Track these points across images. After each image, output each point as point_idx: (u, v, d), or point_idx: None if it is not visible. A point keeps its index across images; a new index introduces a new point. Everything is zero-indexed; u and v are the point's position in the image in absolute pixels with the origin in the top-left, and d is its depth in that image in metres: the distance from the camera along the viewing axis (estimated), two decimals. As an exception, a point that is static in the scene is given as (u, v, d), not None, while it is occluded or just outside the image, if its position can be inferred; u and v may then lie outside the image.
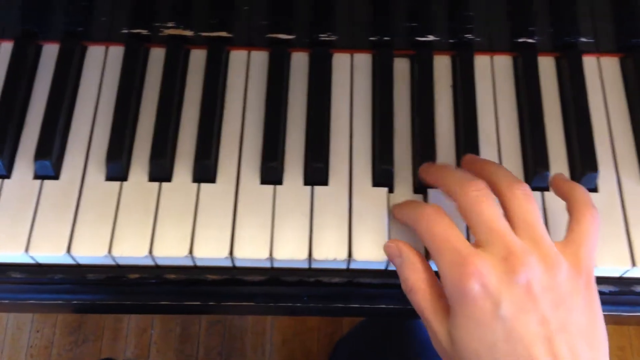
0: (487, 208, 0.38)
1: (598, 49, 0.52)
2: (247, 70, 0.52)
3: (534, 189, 0.46)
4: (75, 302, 0.49)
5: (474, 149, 0.48)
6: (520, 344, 0.34)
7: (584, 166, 0.47)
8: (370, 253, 0.45)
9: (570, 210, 0.41)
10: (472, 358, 0.36)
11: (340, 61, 0.53)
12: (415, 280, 0.40)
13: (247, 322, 1.37)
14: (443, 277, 0.38)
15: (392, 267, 0.47)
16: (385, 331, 0.75)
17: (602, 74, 0.52)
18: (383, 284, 0.48)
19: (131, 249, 0.45)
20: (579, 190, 0.41)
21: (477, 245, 0.38)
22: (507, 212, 0.39)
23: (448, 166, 0.45)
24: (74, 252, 0.45)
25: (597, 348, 0.36)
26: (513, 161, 0.49)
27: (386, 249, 0.43)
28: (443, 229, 0.38)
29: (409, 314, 0.54)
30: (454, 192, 0.40)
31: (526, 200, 0.39)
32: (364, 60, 0.53)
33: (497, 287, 0.35)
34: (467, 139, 0.49)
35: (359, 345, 0.77)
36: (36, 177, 0.47)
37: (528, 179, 0.48)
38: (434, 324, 0.39)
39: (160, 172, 0.47)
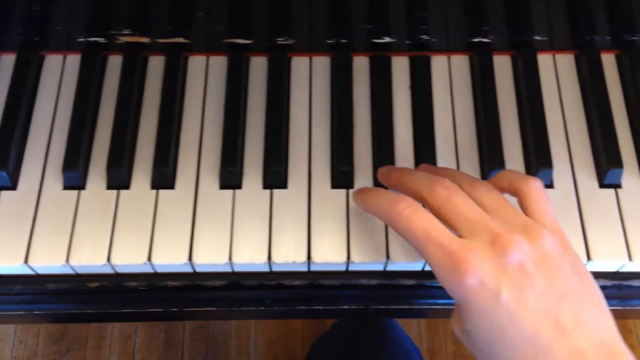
0: (460, 201, 0.38)
1: (553, 47, 0.52)
2: (205, 75, 0.52)
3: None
4: (37, 312, 0.49)
5: (431, 148, 0.49)
6: (526, 324, 0.35)
7: (538, 162, 0.47)
8: (329, 255, 0.45)
9: (514, 192, 0.41)
10: (484, 346, 0.36)
11: (299, 64, 0.53)
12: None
13: (231, 326, 1.37)
14: (437, 276, 0.38)
15: (352, 268, 0.47)
16: (359, 331, 0.75)
17: (557, 71, 0.52)
18: (344, 285, 0.49)
19: (89, 258, 0.45)
20: (510, 172, 0.41)
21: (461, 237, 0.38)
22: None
23: (407, 170, 0.44)
24: (31, 262, 0.45)
25: (597, 305, 0.36)
26: (470, 159, 0.49)
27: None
28: (422, 225, 0.38)
29: (372, 314, 0.54)
30: (422, 196, 0.40)
31: (487, 189, 0.39)
32: (322, 63, 0.53)
33: (493, 276, 0.35)
34: (424, 138, 0.49)
35: (334, 345, 0.77)
36: (-7, 187, 0.47)
37: (484, 176, 0.48)
38: (452, 317, 0.39)
39: (118, 179, 0.47)
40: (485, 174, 0.48)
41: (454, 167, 0.49)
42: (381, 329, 0.75)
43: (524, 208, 0.40)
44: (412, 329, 1.37)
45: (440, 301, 0.49)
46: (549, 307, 0.35)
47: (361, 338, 0.74)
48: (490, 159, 0.47)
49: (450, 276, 0.36)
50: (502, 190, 0.42)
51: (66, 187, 0.47)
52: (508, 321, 0.35)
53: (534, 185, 0.40)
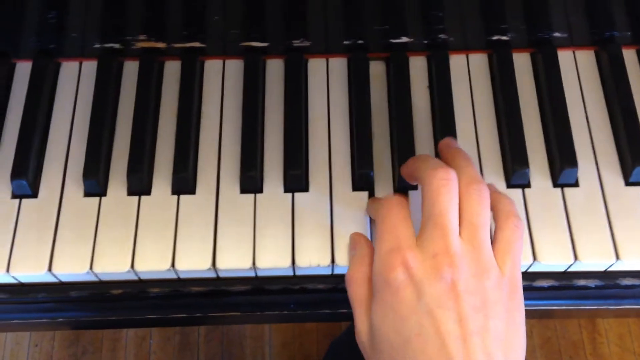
0: (442, 201, 0.38)
1: (573, 43, 0.52)
2: (222, 79, 0.52)
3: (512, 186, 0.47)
4: (60, 320, 0.49)
5: (453, 148, 0.48)
6: (434, 339, 0.35)
7: (562, 161, 0.46)
8: (352, 258, 0.45)
9: (495, 218, 0.40)
10: (387, 349, 0.36)
11: (316, 66, 0.52)
12: (355, 272, 0.40)
13: (246, 327, 1.37)
14: (375, 262, 0.38)
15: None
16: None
17: (578, 67, 0.52)
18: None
19: (112, 265, 0.45)
20: (503, 200, 0.41)
21: (420, 234, 0.38)
22: (459, 208, 0.39)
23: (423, 155, 0.43)
24: (55, 270, 0.44)
25: (511, 355, 0.36)
26: (492, 158, 0.48)
27: (350, 238, 0.44)
28: (395, 218, 0.39)
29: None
30: (422, 178, 0.40)
31: (478, 201, 0.39)
32: (339, 64, 0.52)
33: (421, 279, 0.36)
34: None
35: (350, 347, 0.77)
36: (14, 196, 0.47)
37: (508, 178, 0.48)
38: (359, 314, 0.39)
39: (139, 185, 0.47)
40: (508, 174, 0.47)
41: (477, 168, 0.48)
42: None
43: (494, 240, 0.39)
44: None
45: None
46: (463, 334, 0.35)
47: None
48: (514, 159, 0.47)
49: (384, 264, 0.37)
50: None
51: (87, 194, 0.47)
52: (417, 330, 0.35)
53: (516, 225, 0.39)
